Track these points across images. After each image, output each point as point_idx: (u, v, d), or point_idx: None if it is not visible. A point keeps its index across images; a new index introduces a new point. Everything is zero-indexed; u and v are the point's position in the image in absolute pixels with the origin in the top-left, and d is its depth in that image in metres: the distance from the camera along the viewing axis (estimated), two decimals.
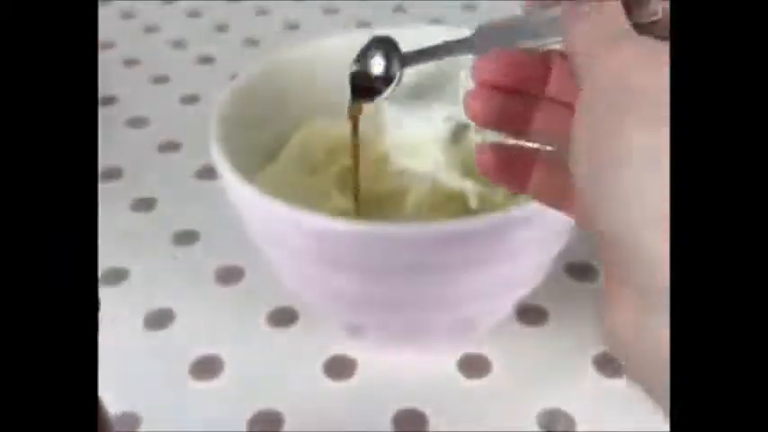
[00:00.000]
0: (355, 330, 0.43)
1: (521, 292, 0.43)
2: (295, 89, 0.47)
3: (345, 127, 0.48)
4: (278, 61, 0.47)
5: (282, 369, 0.44)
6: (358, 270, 0.37)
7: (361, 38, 0.45)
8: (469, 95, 0.30)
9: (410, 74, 0.37)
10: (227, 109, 0.43)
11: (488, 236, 0.36)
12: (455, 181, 0.43)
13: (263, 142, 0.47)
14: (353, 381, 0.43)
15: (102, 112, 0.66)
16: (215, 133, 0.41)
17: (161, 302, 0.48)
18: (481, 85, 0.30)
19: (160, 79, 0.71)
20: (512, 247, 0.37)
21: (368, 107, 0.41)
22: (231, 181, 0.38)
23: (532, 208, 0.36)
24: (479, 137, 0.44)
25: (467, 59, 0.32)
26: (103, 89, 0.69)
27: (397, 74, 0.37)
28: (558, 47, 0.30)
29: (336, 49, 0.48)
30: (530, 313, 0.46)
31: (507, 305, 0.44)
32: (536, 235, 0.38)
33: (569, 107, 0.29)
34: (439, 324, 0.42)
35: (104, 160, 0.60)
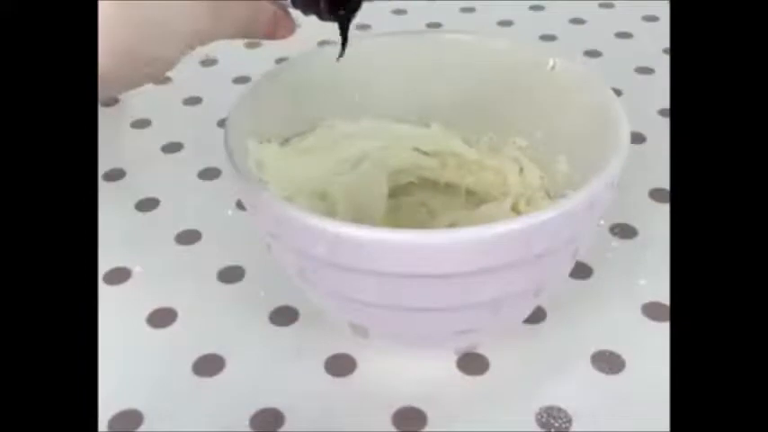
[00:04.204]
0: (359, 331, 0.43)
1: (538, 300, 0.43)
2: (307, 93, 0.47)
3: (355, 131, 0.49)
4: (288, 65, 0.47)
5: (283, 367, 0.45)
6: (373, 275, 0.37)
7: (370, 43, 0.46)
8: None
9: None
10: (240, 113, 0.43)
11: (506, 243, 0.36)
12: None
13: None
14: (354, 379, 0.44)
15: (106, 114, 0.67)
16: (231, 136, 0.41)
17: (163, 301, 0.48)
18: None
19: (161, 81, 0.72)
20: (530, 256, 0.37)
21: None
22: (248, 184, 0.38)
23: (550, 215, 0.35)
24: None
25: None
26: None
27: None
28: None
29: (348, 54, 0.49)
30: None
31: (524, 314, 0.44)
32: (553, 242, 0.37)
33: None
34: (447, 328, 0.42)
35: (108, 161, 0.61)
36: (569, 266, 0.42)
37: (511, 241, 0.35)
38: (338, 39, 0.42)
